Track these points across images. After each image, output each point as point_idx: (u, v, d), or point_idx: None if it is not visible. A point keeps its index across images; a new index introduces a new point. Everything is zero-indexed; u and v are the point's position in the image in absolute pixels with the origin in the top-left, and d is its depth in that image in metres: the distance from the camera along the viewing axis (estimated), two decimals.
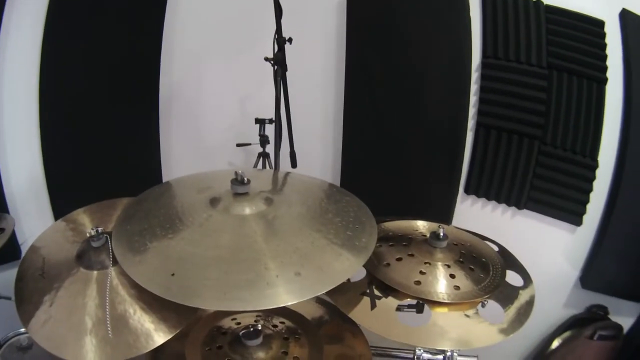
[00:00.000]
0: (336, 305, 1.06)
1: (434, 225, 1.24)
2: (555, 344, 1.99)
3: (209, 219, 1.05)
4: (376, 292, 1.05)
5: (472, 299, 1.08)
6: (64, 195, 1.94)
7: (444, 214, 1.99)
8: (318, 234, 1.01)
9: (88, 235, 1.08)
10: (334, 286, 0.90)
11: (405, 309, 1.07)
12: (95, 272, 1.05)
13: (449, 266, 1.12)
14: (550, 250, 1.99)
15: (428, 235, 1.19)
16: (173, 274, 0.91)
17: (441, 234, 1.14)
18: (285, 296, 0.86)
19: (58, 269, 1.08)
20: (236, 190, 1.09)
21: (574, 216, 1.91)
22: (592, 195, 1.87)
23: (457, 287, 1.09)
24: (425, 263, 1.12)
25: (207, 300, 0.86)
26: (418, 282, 1.07)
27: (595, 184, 1.86)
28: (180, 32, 2.04)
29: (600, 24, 1.74)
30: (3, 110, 1.85)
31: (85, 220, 1.27)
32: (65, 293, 1.02)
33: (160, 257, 0.98)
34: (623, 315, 1.97)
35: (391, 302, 1.05)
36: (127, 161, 2.00)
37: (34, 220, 1.95)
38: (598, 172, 1.84)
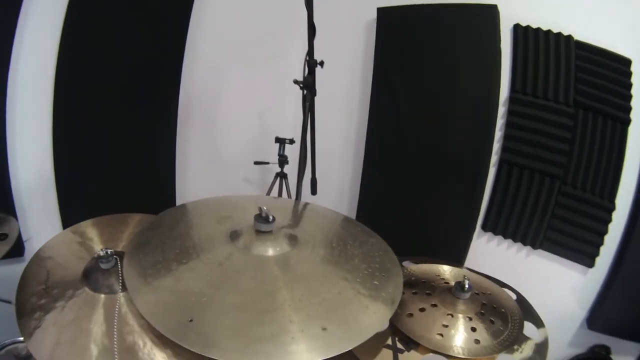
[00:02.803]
0: (356, 355, 1.03)
1: (458, 274, 1.22)
2: None
3: (230, 257, 1.01)
4: (399, 345, 1.02)
5: (490, 354, 1.05)
6: (73, 195, 1.92)
7: (460, 249, 1.96)
8: (344, 283, 0.98)
9: (96, 255, 1.03)
10: (360, 342, 0.87)
11: None
12: (102, 296, 1.00)
13: (470, 319, 1.10)
14: (560, 291, 1.96)
15: (452, 283, 1.16)
16: (191, 320, 0.86)
17: (466, 286, 1.12)
18: (310, 353, 0.83)
19: (62, 286, 1.02)
20: (259, 228, 1.05)
21: (587, 258, 1.88)
22: (606, 237, 1.83)
23: (477, 341, 1.06)
24: (448, 315, 1.09)
25: (226, 353, 0.81)
26: (440, 335, 1.05)
27: (610, 226, 1.82)
28: (203, 42, 1.99)
29: (627, 62, 1.69)
30: (15, 106, 1.82)
31: (93, 234, 1.21)
32: (70, 314, 0.96)
33: (176, 297, 0.92)
34: (625, 355, 1.94)
35: (413, 356, 1.02)
36: (139, 167, 1.96)
37: (39, 218, 1.92)
38: (614, 214, 1.80)
